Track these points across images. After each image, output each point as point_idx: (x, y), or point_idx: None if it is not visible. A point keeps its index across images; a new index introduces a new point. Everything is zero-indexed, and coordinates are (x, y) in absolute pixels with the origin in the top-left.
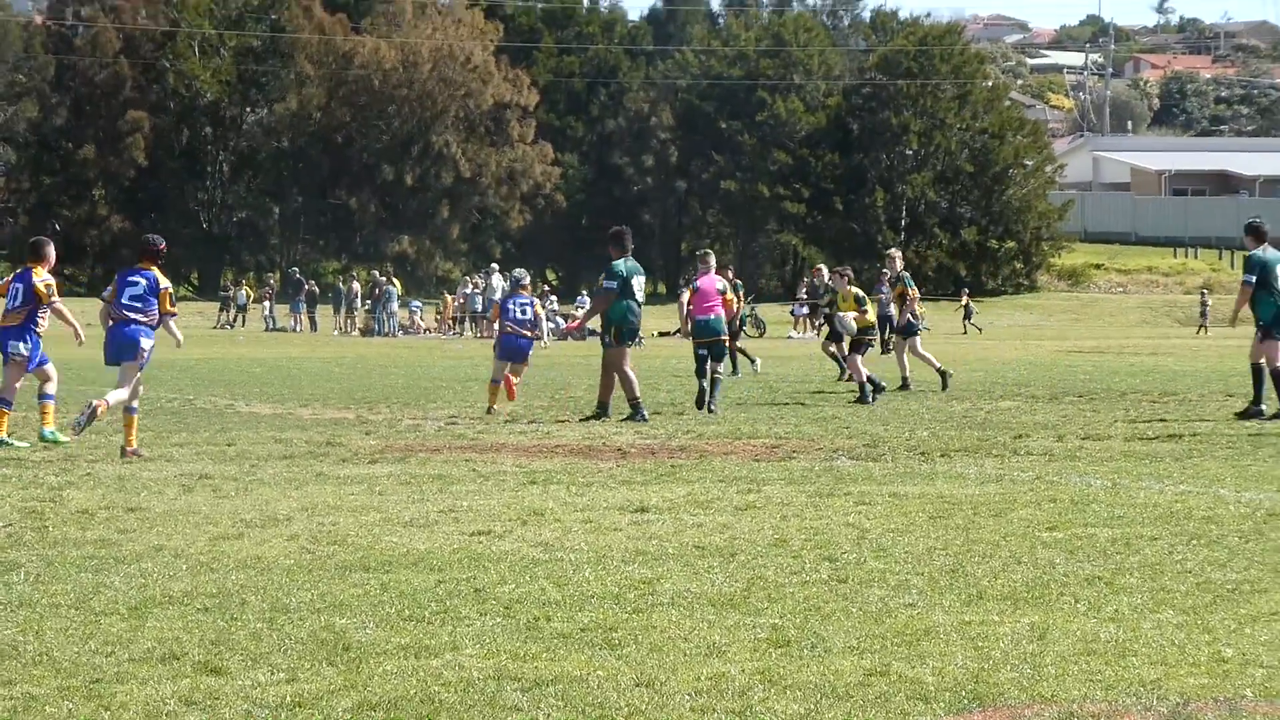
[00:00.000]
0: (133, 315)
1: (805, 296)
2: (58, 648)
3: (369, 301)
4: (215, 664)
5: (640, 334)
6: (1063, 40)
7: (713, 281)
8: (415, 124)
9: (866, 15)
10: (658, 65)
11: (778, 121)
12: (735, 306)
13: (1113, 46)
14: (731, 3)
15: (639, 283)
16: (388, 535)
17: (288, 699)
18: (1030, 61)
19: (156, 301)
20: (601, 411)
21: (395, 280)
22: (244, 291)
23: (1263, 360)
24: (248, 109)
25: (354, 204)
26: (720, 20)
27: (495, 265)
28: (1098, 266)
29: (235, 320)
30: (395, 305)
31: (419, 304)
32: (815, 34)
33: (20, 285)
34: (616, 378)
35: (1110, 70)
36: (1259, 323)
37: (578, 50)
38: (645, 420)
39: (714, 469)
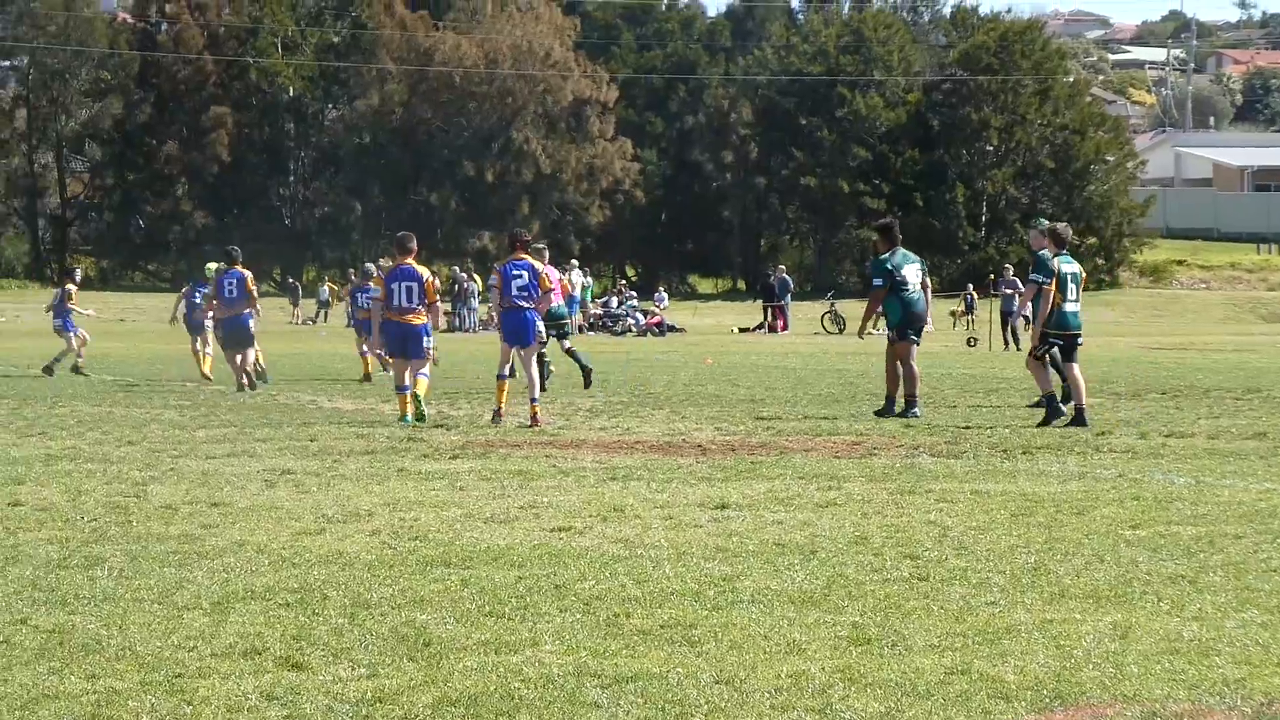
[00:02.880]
0: (524, 301)
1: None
2: (141, 642)
3: (450, 298)
4: (296, 659)
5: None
6: (1144, 36)
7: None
8: (496, 120)
9: (947, 11)
10: (737, 61)
11: (857, 117)
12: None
13: (1195, 42)
14: None
15: (912, 271)
16: (469, 531)
17: (368, 694)
18: (1112, 57)
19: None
20: (888, 407)
21: (476, 276)
22: (327, 287)
23: None
24: (329, 105)
25: (435, 200)
26: (800, 16)
27: (575, 261)
28: (1180, 263)
29: (318, 316)
30: (476, 301)
31: None
32: (895, 30)
33: (415, 283)
34: (901, 371)
35: (1192, 66)
36: None
37: (657, 46)
38: (918, 417)
39: (794, 465)
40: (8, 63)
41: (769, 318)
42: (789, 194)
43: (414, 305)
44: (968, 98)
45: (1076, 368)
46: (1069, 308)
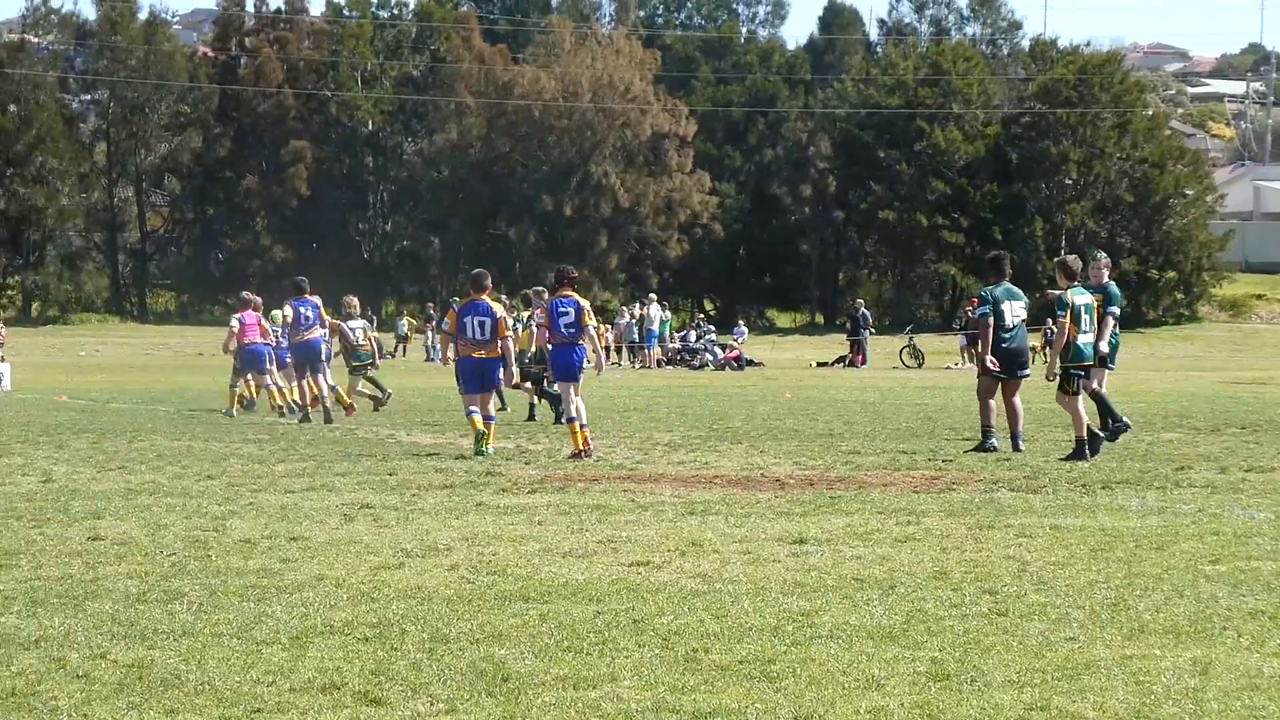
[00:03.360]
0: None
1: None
2: (220, 677)
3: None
4: (375, 694)
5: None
6: (1224, 69)
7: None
8: (574, 154)
9: (1026, 44)
10: (816, 94)
11: (936, 150)
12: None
13: (1274, 75)
14: (890, 31)
15: (1013, 307)
16: (547, 565)
17: None
18: (1191, 90)
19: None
20: (985, 439)
21: None
22: (405, 321)
23: None
24: (408, 139)
25: (513, 234)
26: (878, 49)
27: (653, 295)
28: (1259, 297)
29: (396, 350)
30: None
31: None
32: (974, 63)
33: (488, 319)
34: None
35: (1272, 99)
36: None
37: (735, 79)
38: (994, 450)
39: (873, 500)
40: (88, 97)
41: (854, 352)
42: (867, 227)
43: (486, 339)
44: (1046, 131)
45: (1080, 400)
46: (1082, 339)
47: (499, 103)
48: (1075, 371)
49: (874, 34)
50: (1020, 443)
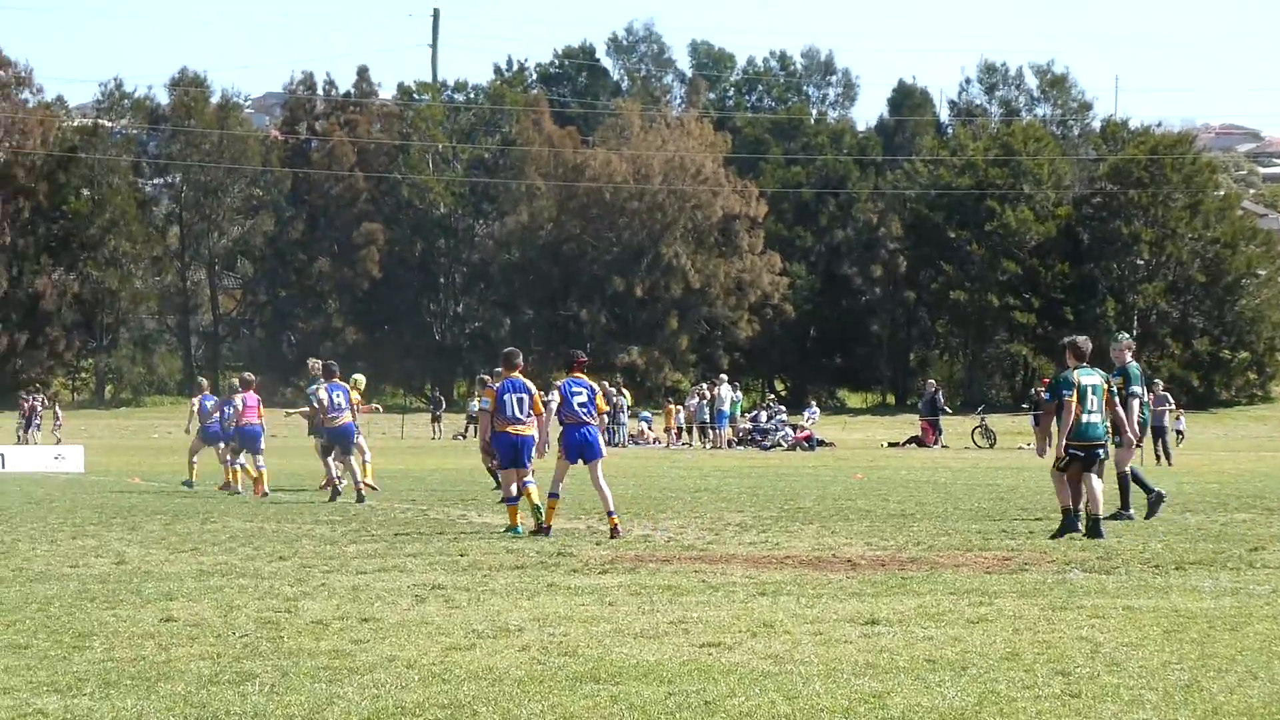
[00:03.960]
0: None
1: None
2: None
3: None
4: None
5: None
6: None
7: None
8: (645, 235)
9: (1097, 125)
10: (886, 175)
11: (1007, 231)
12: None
13: None
14: (960, 113)
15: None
16: (618, 646)
17: None
18: (1263, 170)
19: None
20: (1065, 521)
21: (625, 391)
22: (476, 401)
23: None
24: (479, 221)
25: (584, 315)
26: (949, 130)
27: (724, 375)
28: None
29: (467, 430)
30: (625, 416)
31: (649, 415)
32: (1044, 143)
33: (525, 395)
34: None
35: None
36: None
37: (806, 160)
38: (1076, 530)
39: (945, 581)
40: (161, 180)
41: (936, 432)
42: (938, 308)
43: (524, 417)
44: (1118, 211)
45: (1095, 479)
46: (1086, 419)
47: (570, 184)
48: (1074, 450)
49: (944, 115)
50: (1098, 528)
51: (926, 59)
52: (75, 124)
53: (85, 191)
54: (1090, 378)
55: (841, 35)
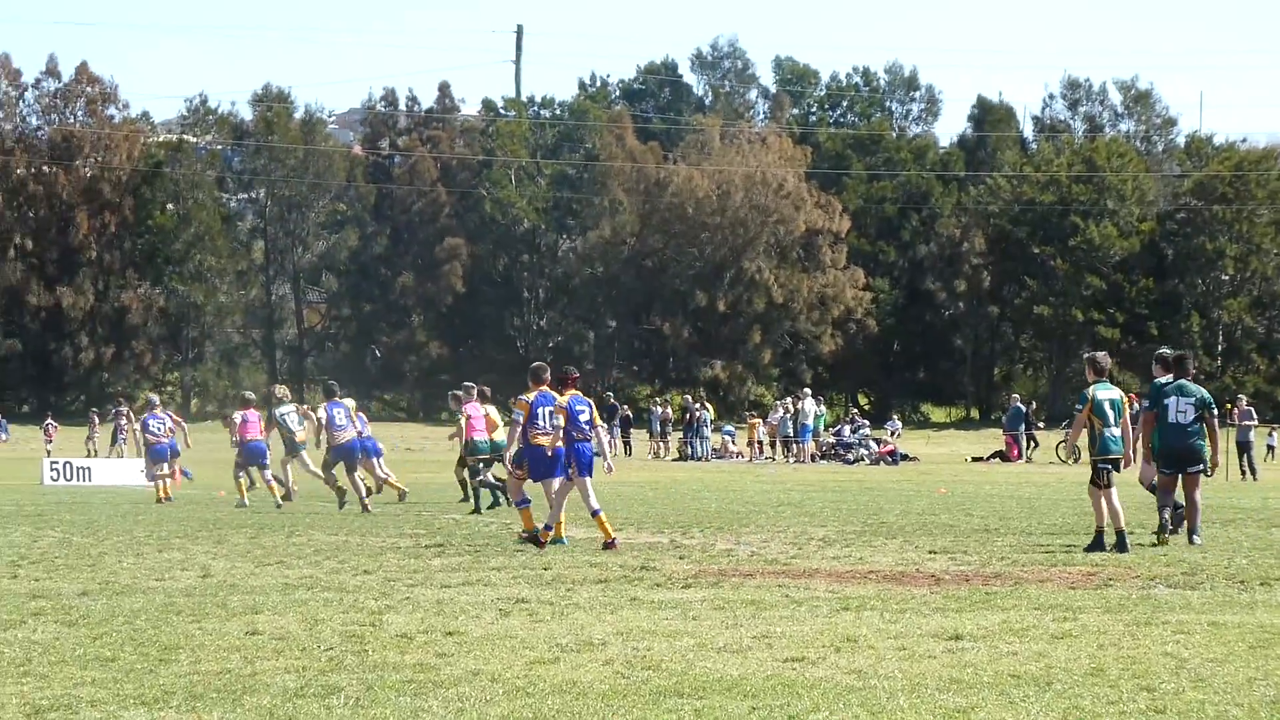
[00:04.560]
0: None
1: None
2: None
3: (682, 427)
4: None
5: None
6: None
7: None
8: (727, 250)
9: (1181, 140)
10: (969, 190)
11: (1091, 246)
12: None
13: None
14: (1043, 128)
15: (1178, 403)
16: (701, 661)
17: None
18: None
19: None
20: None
21: (708, 405)
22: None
23: None
24: (562, 236)
25: (667, 329)
26: (1032, 145)
27: (808, 390)
28: None
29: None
30: (708, 430)
31: (732, 429)
32: (1128, 159)
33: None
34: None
35: None
36: None
37: (888, 175)
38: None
39: (1029, 596)
40: (246, 195)
41: (1022, 446)
42: (1022, 323)
43: (554, 429)
44: (1202, 227)
45: (1115, 492)
46: (1109, 433)
47: (652, 199)
48: (1102, 465)
49: (1028, 131)
50: (1196, 537)
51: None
52: (160, 140)
53: (170, 207)
54: (1108, 392)
55: (925, 51)
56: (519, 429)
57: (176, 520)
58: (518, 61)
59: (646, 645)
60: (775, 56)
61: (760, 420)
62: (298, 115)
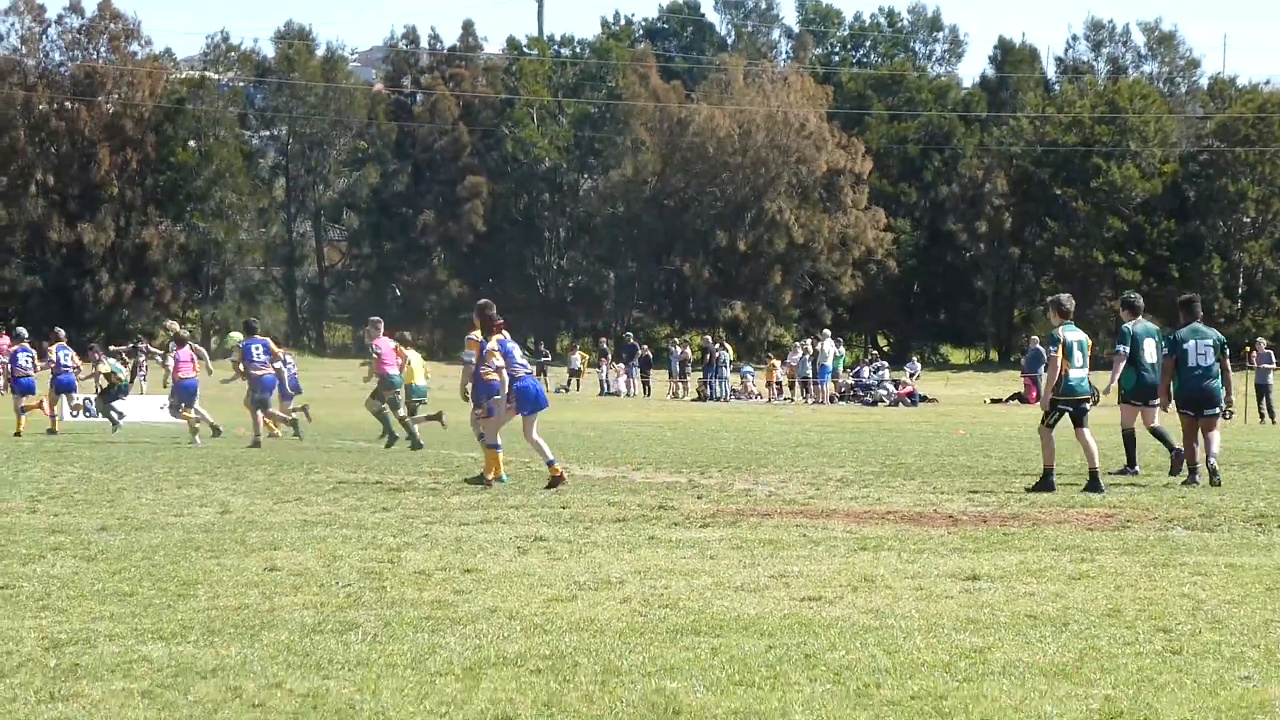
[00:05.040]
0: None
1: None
2: (393, 707)
3: (701, 367)
4: None
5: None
6: None
7: (388, 343)
8: (748, 190)
9: (1204, 82)
10: (991, 131)
11: (1112, 188)
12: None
13: None
14: (1066, 69)
15: (1197, 347)
16: (719, 600)
17: None
18: None
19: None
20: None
21: (727, 345)
22: (578, 355)
23: None
24: (584, 175)
25: (687, 270)
26: (1055, 86)
27: (827, 331)
28: None
29: (570, 384)
30: (727, 370)
31: (751, 369)
32: (1151, 100)
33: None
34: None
35: None
36: None
37: (909, 116)
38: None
39: (1046, 537)
40: (268, 132)
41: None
42: (1043, 264)
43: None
44: (1225, 169)
45: (1087, 432)
46: (1074, 374)
47: (674, 139)
48: (1062, 405)
49: (1050, 72)
50: (1217, 477)
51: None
52: (183, 76)
53: (192, 143)
54: (1075, 334)
55: None
56: (470, 370)
57: (196, 457)
58: (540, 1)
59: (664, 584)
60: None
61: (779, 361)
62: (319, 53)
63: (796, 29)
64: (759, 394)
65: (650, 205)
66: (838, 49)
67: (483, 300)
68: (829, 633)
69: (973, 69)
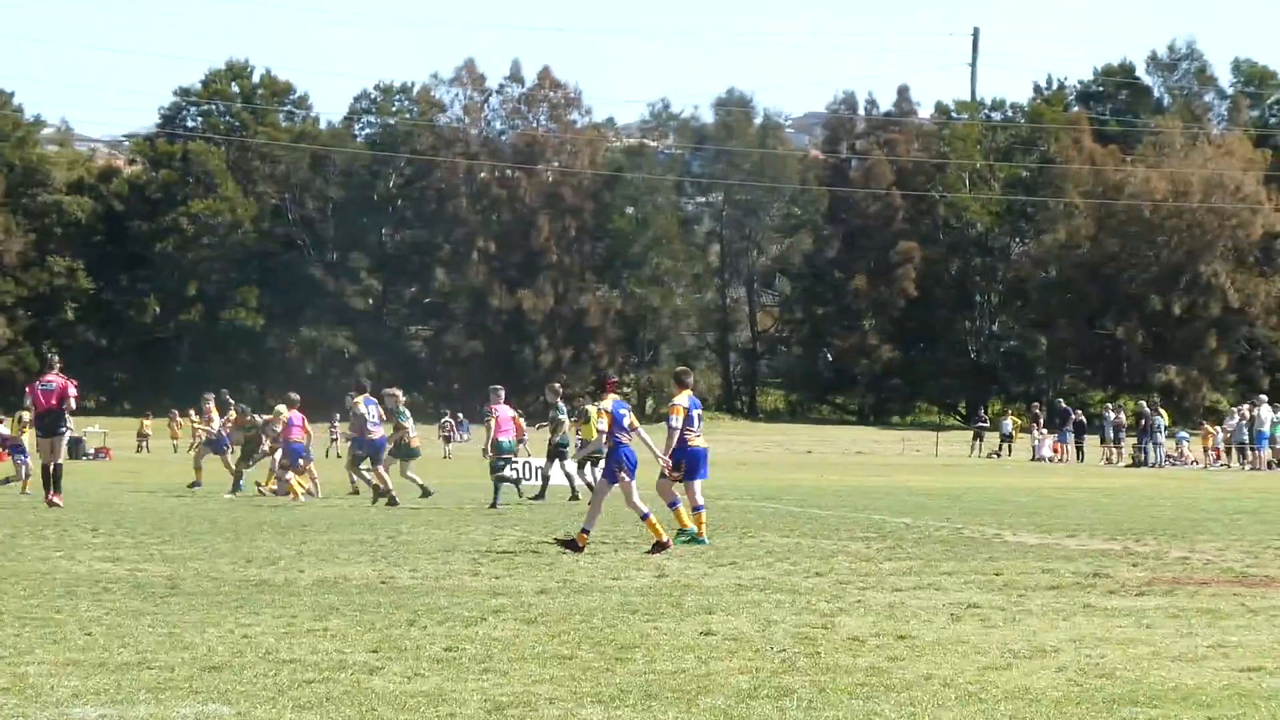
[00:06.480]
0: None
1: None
2: None
3: (1136, 432)
4: None
5: None
6: None
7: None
8: (1183, 254)
9: None
10: None
11: None
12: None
13: None
14: None
15: None
16: (1156, 669)
17: None
18: None
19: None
20: None
21: (1162, 410)
22: (1009, 420)
23: None
24: (1016, 239)
25: (1120, 333)
26: None
27: (1263, 396)
28: None
29: (1001, 449)
30: (1162, 436)
31: (1185, 435)
32: None
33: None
34: None
35: None
36: None
37: None
38: None
39: None
40: (703, 199)
41: None
42: None
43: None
44: None
45: None
46: None
47: (1108, 202)
48: None
49: None
50: None
51: None
52: (622, 144)
53: (629, 210)
54: None
55: None
56: (676, 433)
57: (632, 520)
58: (973, 64)
59: (1100, 652)
60: (1234, 58)
61: (1216, 427)
62: (757, 120)
63: (1230, 90)
64: (1195, 460)
65: (1083, 269)
66: (1275, 111)
67: (681, 367)
68: (1270, 704)
69: None
